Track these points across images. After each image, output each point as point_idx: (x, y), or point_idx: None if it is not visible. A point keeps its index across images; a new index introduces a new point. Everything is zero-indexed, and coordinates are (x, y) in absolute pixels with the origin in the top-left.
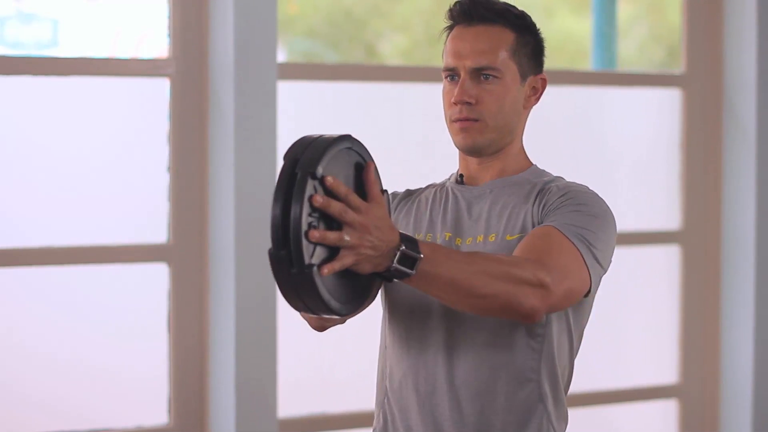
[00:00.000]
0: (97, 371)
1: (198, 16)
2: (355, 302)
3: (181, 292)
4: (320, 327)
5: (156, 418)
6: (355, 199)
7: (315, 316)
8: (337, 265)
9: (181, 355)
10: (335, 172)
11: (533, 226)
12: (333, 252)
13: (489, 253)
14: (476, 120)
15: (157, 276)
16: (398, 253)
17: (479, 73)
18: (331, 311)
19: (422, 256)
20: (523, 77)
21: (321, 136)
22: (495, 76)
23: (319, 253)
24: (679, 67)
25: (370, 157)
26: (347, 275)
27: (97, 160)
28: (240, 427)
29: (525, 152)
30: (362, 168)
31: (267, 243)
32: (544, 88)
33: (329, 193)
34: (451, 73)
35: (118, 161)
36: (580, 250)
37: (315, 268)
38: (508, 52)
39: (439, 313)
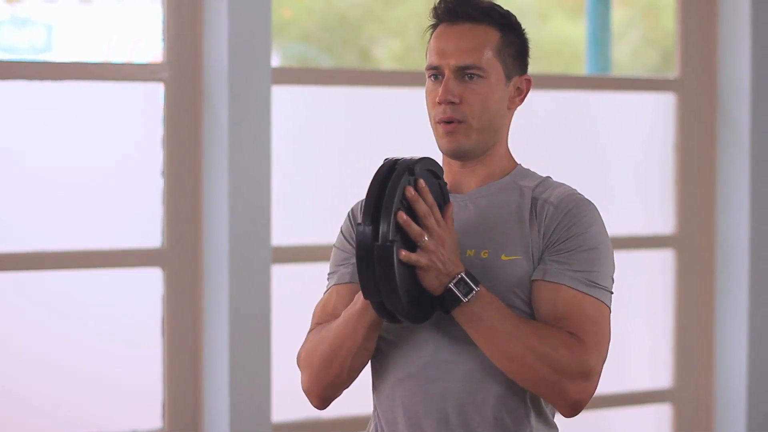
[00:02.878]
0: (92, 375)
1: (192, 21)
2: (413, 316)
3: (176, 296)
4: (324, 399)
5: (150, 422)
6: (438, 212)
7: (381, 316)
8: (413, 257)
9: (176, 359)
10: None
11: (532, 253)
12: (410, 249)
13: (538, 325)
14: (460, 121)
15: (152, 280)
16: (458, 277)
17: (464, 72)
18: (398, 299)
19: (478, 289)
20: (508, 77)
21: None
22: (480, 76)
23: (400, 244)
24: (673, 72)
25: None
26: (413, 292)
27: (91, 165)
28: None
29: (510, 154)
30: (440, 207)
31: (260, 247)
32: (528, 89)
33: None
34: (435, 72)
35: (112, 166)
36: (601, 300)
37: (395, 246)
38: (493, 52)
39: (427, 327)
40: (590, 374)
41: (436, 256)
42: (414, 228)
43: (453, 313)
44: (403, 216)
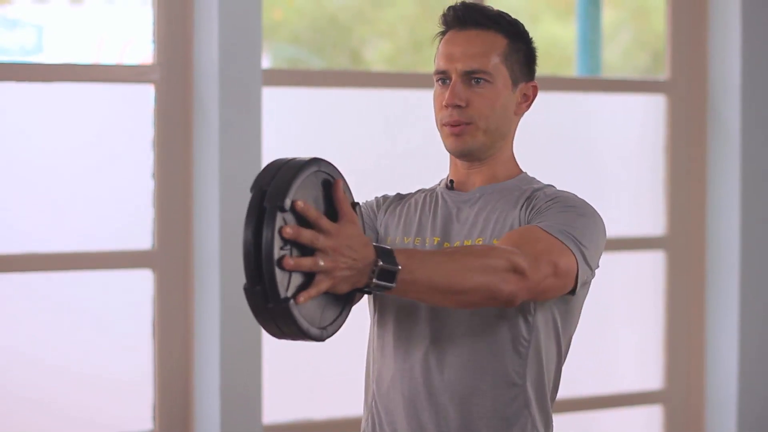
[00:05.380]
0: (83, 376)
1: (183, 22)
2: (336, 323)
3: (166, 298)
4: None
5: (141, 424)
6: (325, 222)
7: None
8: (313, 291)
9: (166, 361)
10: (304, 196)
11: None
12: (309, 277)
13: (465, 247)
14: (468, 123)
15: (142, 282)
16: (377, 269)
17: (470, 77)
18: (312, 339)
19: (400, 267)
20: (515, 83)
21: (288, 162)
22: (486, 80)
23: (295, 281)
24: (663, 73)
25: (339, 174)
26: (324, 296)
27: (81, 167)
28: None
29: (515, 160)
30: (331, 185)
31: None
32: (535, 96)
33: (299, 217)
34: (443, 77)
35: (102, 167)
36: (563, 242)
37: (291, 301)
38: (499, 57)
39: (426, 317)
40: (522, 271)
41: (338, 270)
42: (305, 263)
43: (386, 293)
44: (289, 262)
